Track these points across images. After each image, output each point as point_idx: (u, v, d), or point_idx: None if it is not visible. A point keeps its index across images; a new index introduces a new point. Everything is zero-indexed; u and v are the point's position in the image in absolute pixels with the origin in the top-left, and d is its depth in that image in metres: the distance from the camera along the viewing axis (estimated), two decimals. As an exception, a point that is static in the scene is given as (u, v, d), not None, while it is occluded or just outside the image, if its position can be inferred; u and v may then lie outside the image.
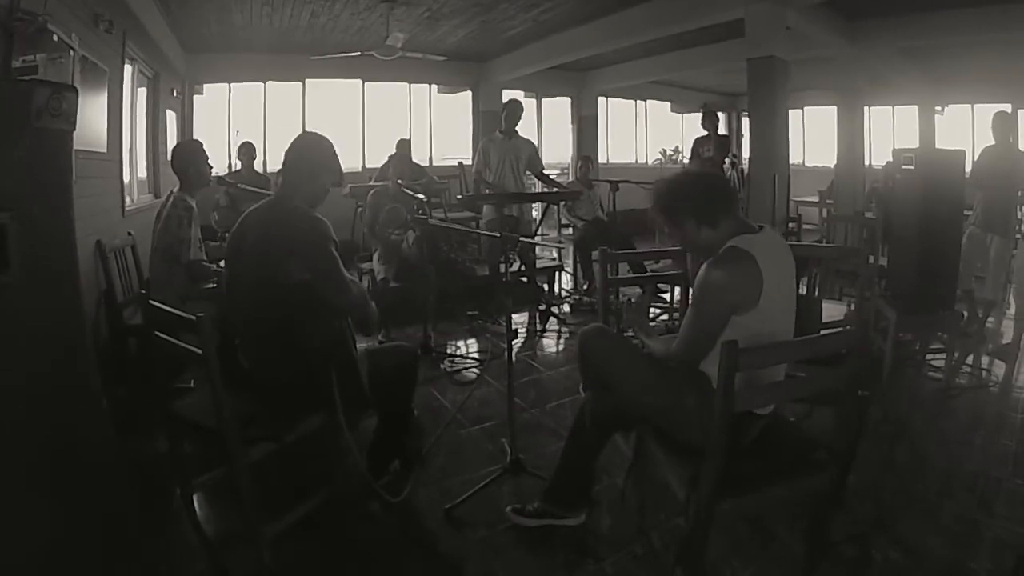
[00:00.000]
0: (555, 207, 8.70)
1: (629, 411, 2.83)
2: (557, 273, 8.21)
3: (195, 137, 10.00)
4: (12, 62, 3.40)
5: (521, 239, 4.28)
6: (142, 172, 8.22)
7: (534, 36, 10.82)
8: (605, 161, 15.47)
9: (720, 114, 9.35)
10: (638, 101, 17.16)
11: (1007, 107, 6.31)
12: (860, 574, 2.84)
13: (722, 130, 9.26)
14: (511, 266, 3.82)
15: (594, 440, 2.98)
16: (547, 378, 5.33)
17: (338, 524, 3.15)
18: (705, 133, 8.67)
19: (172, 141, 9.11)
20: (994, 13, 8.21)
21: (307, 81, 11.92)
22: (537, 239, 6.95)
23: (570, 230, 9.03)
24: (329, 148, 3.16)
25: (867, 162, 11.16)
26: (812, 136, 16.18)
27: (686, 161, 11.17)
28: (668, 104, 17.67)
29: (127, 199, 6.69)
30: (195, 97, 11.08)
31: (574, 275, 8.55)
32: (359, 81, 12.40)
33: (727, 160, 8.49)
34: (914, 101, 13.19)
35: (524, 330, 6.82)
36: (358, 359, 3.06)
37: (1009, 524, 3.16)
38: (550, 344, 6.50)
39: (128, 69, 6.98)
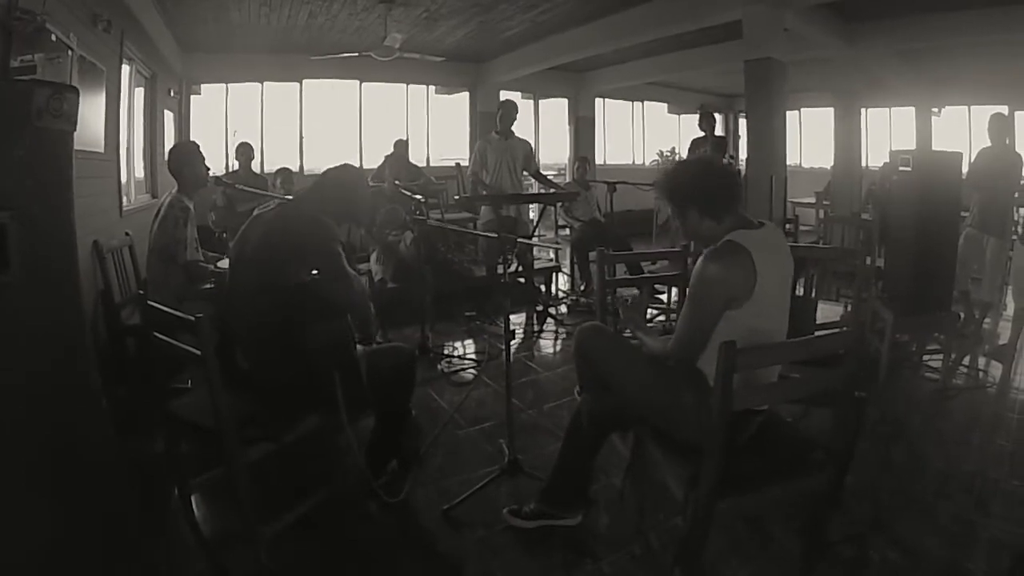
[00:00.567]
0: (552, 208, 8.70)
1: (626, 411, 2.84)
2: (554, 274, 8.21)
3: (192, 138, 10.06)
4: (10, 62, 3.41)
5: (519, 240, 4.28)
6: (140, 172, 8.21)
7: (532, 37, 10.82)
8: (602, 162, 15.47)
9: (717, 115, 9.37)
10: (635, 102, 17.18)
11: (1004, 109, 6.34)
12: (858, 574, 2.85)
13: (719, 131, 9.25)
14: (509, 267, 3.82)
15: (591, 441, 2.98)
16: (545, 379, 5.33)
17: (336, 524, 3.14)
18: (702, 134, 8.69)
19: (170, 141, 9.11)
20: (991, 15, 8.21)
21: (304, 81, 11.91)
22: (534, 240, 6.96)
23: (567, 231, 9.04)
24: (364, 185, 3.28)
25: (864, 163, 11.16)
26: (809, 138, 16.20)
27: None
28: (665, 105, 17.69)
29: (125, 199, 6.68)
30: (193, 97, 11.05)
31: (571, 276, 8.58)
32: (356, 82, 12.39)
33: (724, 161, 8.48)
34: (911, 103, 13.19)
35: (521, 331, 6.82)
36: (359, 360, 3.07)
37: (1006, 524, 3.16)
38: (547, 345, 6.50)
39: (126, 69, 6.97)
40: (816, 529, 2.69)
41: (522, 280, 7.51)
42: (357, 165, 3.34)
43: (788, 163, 8.38)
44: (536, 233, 7.19)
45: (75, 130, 2.81)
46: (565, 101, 15.51)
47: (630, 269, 7.00)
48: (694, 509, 2.31)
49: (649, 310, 6.36)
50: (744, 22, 7.77)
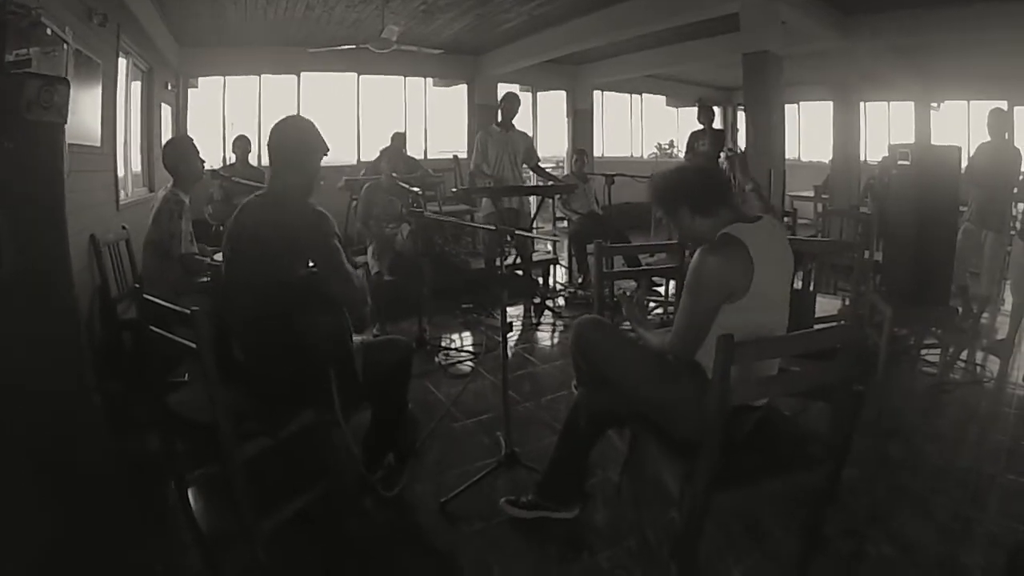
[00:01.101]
0: (550, 200, 8.68)
1: (623, 407, 2.83)
2: (552, 266, 8.19)
3: (189, 131, 10.15)
4: (5, 56, 3.38)
5: (517, 232, 4.26)
6: (137, 166, 8.18)
7: (530, 29, 10.80)
8: (600, 155, 15.45)
9: (716, 108, 9.35)
10: (633, 95, 17.16)
11: (1003, 104, 6.33)
12: (854, 569, 2.84)
13: (717, 124, 9.24)
14: (507, 259, 3.81)
15: (587, 437, 2.98)
16: (542, 371, 5.32)
17: (333, 520, 3.12)
18: (700, 127, 8.69)
19: (167, 135, 9.11)
20: (989, 11, 8.22)
21: (302, 74, 11.87)
22: (533, 232, 6.94)
23: (565, 223, 9.01)
24: (310, 127, 3.12)
25: (862, 158, 11.15)
26: (807, 132, 16.19)
27: (681, 155, 11.17)
28: (663, 98, 17.69)
29: (121, 193, 6.66)
30: (190, 91, 11.01)
31: (569, 268, 8.54)
32: (354, 74, 12.36)
33: (722, 153, 8.47)
34: (910, 97, 13.24)
35: (519, 323, 6.81)
36: (355, 354, 3.05)
37: (1002, 520, 3.16)
38: (545, 337, 6.49)
39: (122, 63, 6.95)
40: (813, 524, 2.68)
41: (520, 272, 7.49)
42: (295, 118, 3.21)
43: (787, 157, 8.38)
44: (534, 225, 7.17)
45: (66, 122, 2.79)
46: (563, 94, 15.48)
47: (628, 262, 7.00)
48: (690, 504, 2.30)
49: (647, 303, 6.38)
50: (741, 15, 7.77)
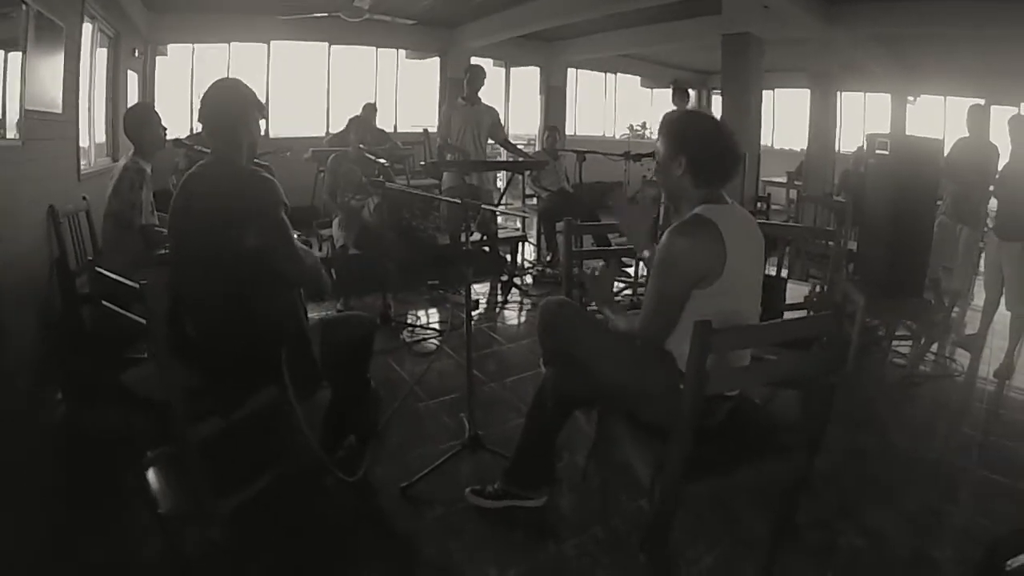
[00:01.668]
0: (520, 177, 8.58)
1: (591, 387, 2.72)
2: (520, 244, 8.12)
3: (156, 100, 9.88)
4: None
5: (483, 206, 4.14)
6: (101, 135, 7.93)
7: (506, 3, 10.62)
8: (572, 133, 15.35)
9: (691, 91, 9.27)
10: (608, 74, 17.14)
11: (980, 102, 6.32)
12: (824, 560, 2.82)
13: (692, 107, 9.17)
14: (471, 236, 3.70)
15: (555, 418, 2.86)
16: (508, 350, 5.26)
17: (293, 502, 3.03)
18: (675, 109, 8.59)
19: (133, 103, 8.84)
20: (972, 6, 8.25)
21: (272, 43, 11.57)
22: (500, 208, 6.84)
23: (534, 200, 8.91)
24: (241, 87, 2.95)
25: (837, 147, 11.17)
26: (781, 119, 16.24)
27: (653, 137, 11.11)
28: (638, 79, 17.67)
29: (84, 162, 6.45)
30: (159, 58, 10.65)
31: (537, 246, 8.46)
32: (325, 44, 12.09)
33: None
34: (887, 89, 13.40)
35: (485, 301, 6.75)
36: (309, 331, 2.91)
37: (973, 515, 3.18)
38: (512, 316, 6.44)
39: (87, 27, 6.69)
40: (784, 513, 2.60)
41: (487, 249, 7.39)
42: (224, 80, 3.04)
43: (761, 143, 8.36)
44: (503, 202, 7.07)
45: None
46: (537, 70, 15.36)
47: (597, 241, 6.92)
48: (661, 494, 2.21)
49: (616, 283, 6.32)
50: (724, -6, 7.68)
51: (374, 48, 12.86)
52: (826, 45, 10.07)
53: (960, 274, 6.04)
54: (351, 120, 7.50)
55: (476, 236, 7.10)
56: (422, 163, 9.03)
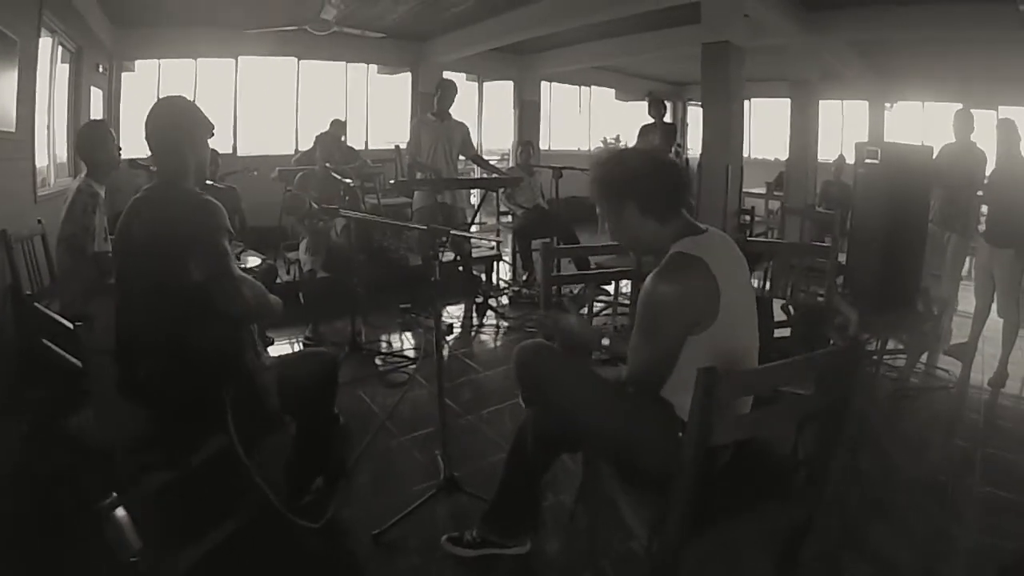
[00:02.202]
0: (494, 194, 8.38)
1: (577, 434, 2.46)
2: (495, 263, 7.95)
3: (122, 118, 9.72)
4: None
5: (452, 232, 3.87)
6: (63, 155, 7.61)
7: (478, 15, 10.45)
8: (547, 148, 15.22)
9: (666, 103, 9.12)
10: (582, 87, 17.06)
11: (959, 106, 6.24)
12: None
13: (668, 119, 9.01)
14: (442, 257, 3.49)
15: (538, 462, 2.61)
16: (484, 379, 5.02)
17: (256, 550, 2.77)
18: (651, 121, 8.42)
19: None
20: (951, 11, 8.23)
21: (240, 59, 11.33)
22: (474, 229, 6.64)
23: (509, 218, 8.70)
24: (188, 105, 2.78)
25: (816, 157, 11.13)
26: (757, 129, 16.16)
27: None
28: (613, 91, 17.60)
29: (41, 183, 6.20)
30: (125, 75, 10.35)
31: (513, 265, 8.23)
32: (294, 59, 11.86)
33: (672, 150, 8.29)
34: (865, 96, 13.45)
35: (459, 324, 6.52)
36: (257, 371, 2.65)
37: (980, 534, 3.11)
38: (488, 340, 6.22)
39: (46, 41, 6.45)
40: (789, 551, 2.38)
41: (460, 269, 7.16)
42: (168, 98, 2.85)
43: (740, 153, 8.27)
44: (477, 220, 6.86)
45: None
46: (510, 84, 15.21)
47: (577, 263, 6.73)
48: (660, 553, 1.97)
49: (595, 303, 6.14)
50: (703, 4, 7.63)
51: (344, 63, 12.67)
52: (806, 53, 10.03)
53: (948, 282, 6.00)
54: (318, 137, 7.27)
55: (449, 256, 6.90)
56: (392, 181, 8.81)
